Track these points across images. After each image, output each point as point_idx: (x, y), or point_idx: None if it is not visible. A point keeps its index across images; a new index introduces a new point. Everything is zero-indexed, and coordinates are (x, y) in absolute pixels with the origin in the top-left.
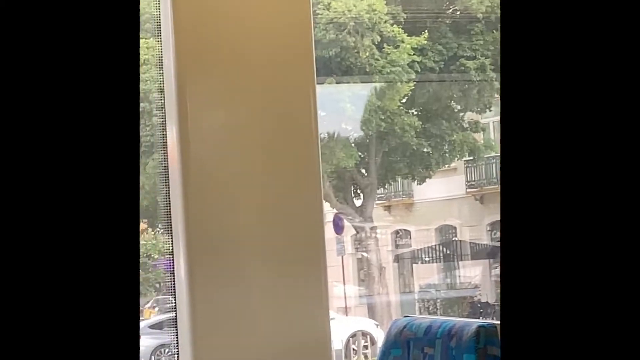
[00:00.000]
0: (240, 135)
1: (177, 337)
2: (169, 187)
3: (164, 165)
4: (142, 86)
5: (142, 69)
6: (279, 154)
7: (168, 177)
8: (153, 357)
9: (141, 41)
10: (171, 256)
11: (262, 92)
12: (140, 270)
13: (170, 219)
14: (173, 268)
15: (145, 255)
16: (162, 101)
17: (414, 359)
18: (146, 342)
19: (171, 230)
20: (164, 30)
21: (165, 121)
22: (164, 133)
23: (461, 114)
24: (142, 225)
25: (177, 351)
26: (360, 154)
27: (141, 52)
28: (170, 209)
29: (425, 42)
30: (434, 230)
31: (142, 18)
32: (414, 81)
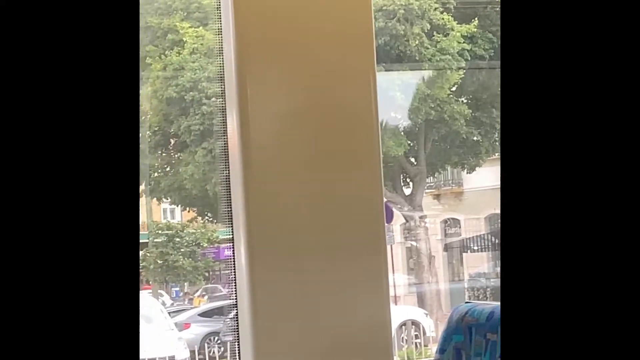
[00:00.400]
0: (301, 123)
1: (237, 325)
2: (229, 174)
3: (224, 152)
4: (191, 75)
5: (191, 57)
6: (339, 142)
7: (228, 163)
8: (206, 345)
9: (190, 30)
10: (231, 243)
11: (323, 79)
12: (189, 259)
13: (231, 206)
14: (233, 256)
15: (194, 243)
16: (222, 88)
17: (476, 344)
18: (196, 330)
19: (231, 218)
20: (224, 17)
21: (225, 108)
22: (224, 120)
23: None
24: (191, 214)
25: (237, 339)
26: (409, 142)
27: (190, 40)
28: (230, 196)
29: (475, 30)
30: (483, 219)
31: (190, 7)
32: (464, 69)
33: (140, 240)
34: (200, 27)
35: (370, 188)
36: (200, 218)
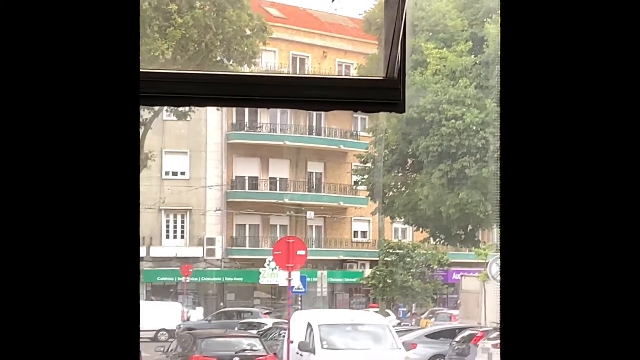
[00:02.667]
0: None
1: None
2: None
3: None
4: (432, 96)
5: (433, 78)
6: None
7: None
8: None
9: (434, 51)
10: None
11: None
12: (419, 280)
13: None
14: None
15: (425, 264)
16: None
17: None
18: (421, 351)
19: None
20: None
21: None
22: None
23: None
24: (424, 234)
25: None
26: None
27: (434, 61)
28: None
29: None
30: None
31: (436, 28)
32: None
33: (370, 258)
34: (444, 49)
35: None
36: (432, 239)
